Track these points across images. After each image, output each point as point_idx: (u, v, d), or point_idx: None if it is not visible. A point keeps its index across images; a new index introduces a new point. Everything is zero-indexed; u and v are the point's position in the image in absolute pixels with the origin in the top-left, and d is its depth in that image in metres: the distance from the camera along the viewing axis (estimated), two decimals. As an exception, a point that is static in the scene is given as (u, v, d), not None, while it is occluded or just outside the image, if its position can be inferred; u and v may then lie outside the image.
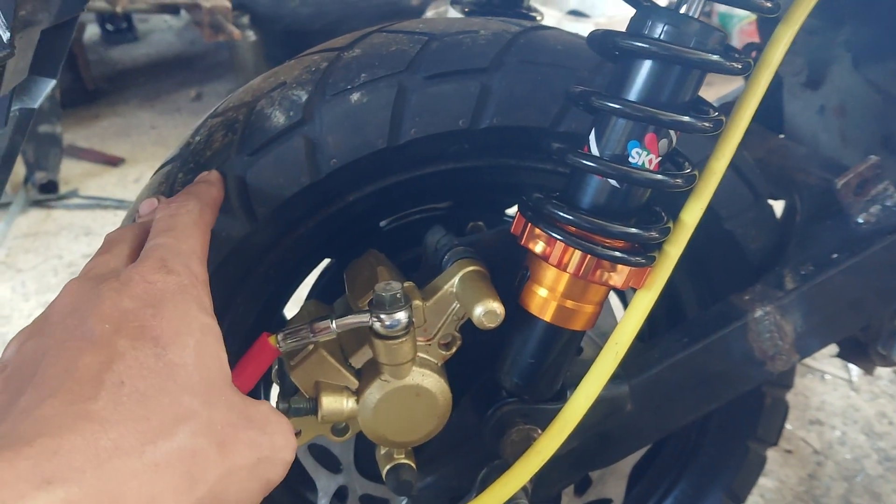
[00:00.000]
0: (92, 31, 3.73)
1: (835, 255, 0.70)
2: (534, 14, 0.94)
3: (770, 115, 0.98)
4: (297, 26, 2.41)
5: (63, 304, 0.46)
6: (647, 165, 0.54)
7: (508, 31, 0.69)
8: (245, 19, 2.36)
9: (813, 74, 0.86)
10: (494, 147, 0.69)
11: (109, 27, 3.69)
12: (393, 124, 0.64)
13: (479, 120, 0.65)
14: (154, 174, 0.70)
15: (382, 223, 0.84)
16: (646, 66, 0.53)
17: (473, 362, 0.68)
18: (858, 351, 0.88)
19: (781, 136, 0.97)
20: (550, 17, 2.60)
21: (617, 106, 0.53)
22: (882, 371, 1.38)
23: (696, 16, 0.53)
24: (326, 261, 0.89)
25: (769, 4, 0.52)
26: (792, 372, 0.83)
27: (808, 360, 1.31)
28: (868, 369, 0.92)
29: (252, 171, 0.63)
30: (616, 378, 0.66)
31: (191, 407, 0.41)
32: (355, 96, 0.64)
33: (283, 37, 2.46)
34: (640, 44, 0.52)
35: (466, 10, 0.95)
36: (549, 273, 0.58)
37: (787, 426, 1.33)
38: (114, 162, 2.58)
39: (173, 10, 2.48)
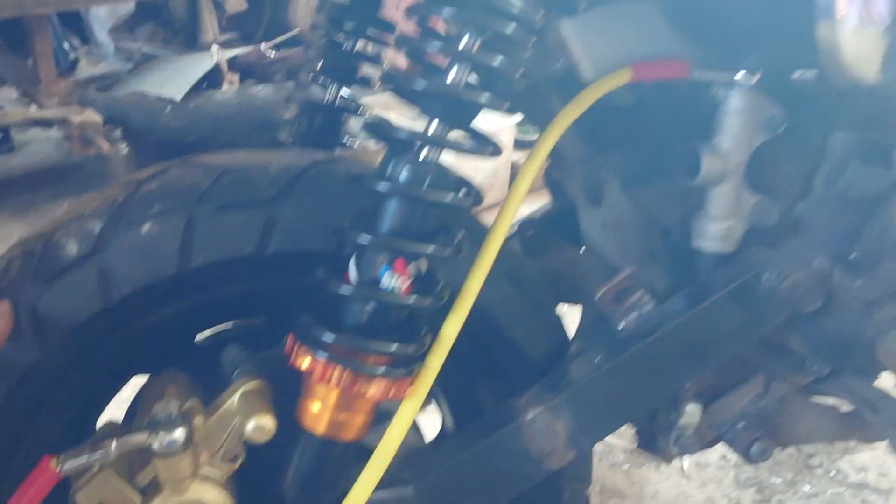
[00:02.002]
0: (-33, 141, 3.65)
1: (598, 359, 0.78)
2: (350, 142, 1.02)
3: (571, 228, 1.08)
4: (170, 139, 2.46)
5: None
6: (398, 288, 0.61)
7: (298, 164, 0.76)
8: (117, 133, 2.40)
9: (591, 194, 0.96)
10: (289, 269, 0.74)
11: (-15, 137, 3.64)
12: (182, 252, 0.69)
13: (266, 246, 0.71)
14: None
15: (198, 338, 0.88)
16: (391, 202, 0.61)
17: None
18: (651, 442, 0.96)
19: (581, 248, 1.07)
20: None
21: (364, 240, 0.59)
22: (711, 457, 1.48)
23: (434, 160, 0.61)
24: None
25: (491, 149, 0.61)
26: (587, 466, 0.90)
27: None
28: (666, 459, 1.00)
29: (44, 300, 0.67)
30: (400, 481, 0.71)
31: None
32: (146, 227, 0.69)
33: (157, 149, 2.50)
34: (380, 186, 0.59)
35: (291, 139, 1.02)
36: (318, 388, 0.63)
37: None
38: (-22, 275, 2.50)
39: (45, 124, 2.49)
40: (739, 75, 0.76)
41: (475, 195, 0.63)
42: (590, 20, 0.70)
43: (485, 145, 0.64)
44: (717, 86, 0.79)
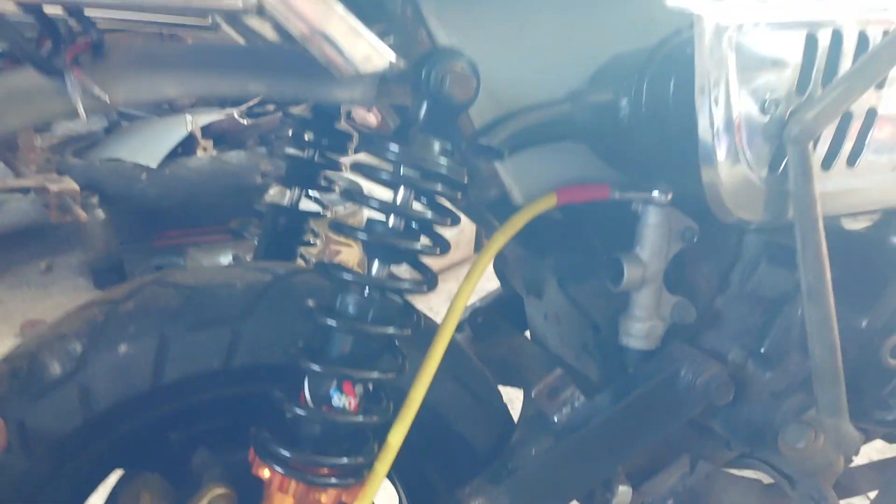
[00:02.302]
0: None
1: (534, 451, 0.86)
2: (314, 241, 1.11)
3: (520, 314, 1.17)
4: (146, 205, 2.54)
5: None
6: (347, 407, 0.69)
7: (263, 280, 0.84)
8: (94, 199, 2.47)
9: (532, 289, 1.06)
10: (253, 379, 0.82)
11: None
12: (156, 369, 0.77)
13: (231, 360, 0.79)
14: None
15: (173, 437, 0.95)
16: (339, 333, 0.69)
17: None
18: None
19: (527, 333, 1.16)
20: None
21: (314, 368, 0.68)
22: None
23: (376, 297, 0.69)
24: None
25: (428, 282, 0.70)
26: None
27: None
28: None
29: (31, 416, 0.74)
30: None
31: None
32: (123, 347, 0.77)
33: (133, 214, 2.58)
34: (328, 321, 0.68)
35: (256, 240, 1.11)
36: (277, 496, 0.71)
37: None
38: (-45, 338, 2.55)
39: (23, 191, 2.56)
40: (654, 194, 0.86)
41: (417, 321, 0.72)
42: (518, 158, 0.80)
43: (425, 275, 0.73)
44: (635, 203, 0.88)
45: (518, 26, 0.78)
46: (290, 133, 1.06)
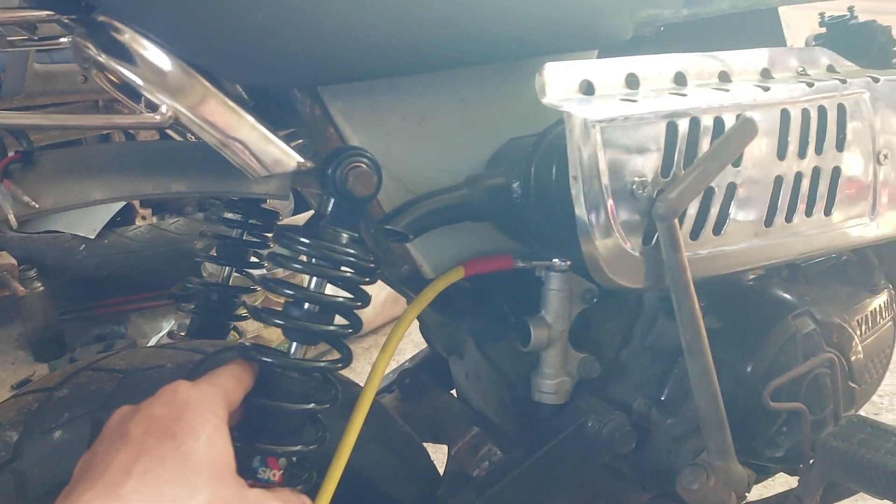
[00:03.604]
0: None
1: (454, 506, 0.93)
2: (247, 317, 1.17)
3: (446, 373, 1.24)
4: (86, 275, 2.55)
5: (118, 415, 0.66)
6: (272, 479, 0.75)
7: (193, 359, 0.89)
8: (32, 272, 2.48)
9: (453, 350, 1.13)
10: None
11: None
12: (90, 453, 0.81)
13: (163, 440, 0.83)
14: None
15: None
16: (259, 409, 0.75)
17: None
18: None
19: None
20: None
21: (235, 444, 0.73)
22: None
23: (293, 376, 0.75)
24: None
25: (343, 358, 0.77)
26: None
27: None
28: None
29: (-33, 505, 0.78)
30: None
31: (198, 486, 0.59)
32: (58, 434, 0.81)
33: (73, 285, 2.59)
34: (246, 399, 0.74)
35: (192, 309, 1.16)
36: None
37: None
38: None
39: (-42, 266, 2.54)
40: (555, 262, 0.94)
41: (335, 395, 0.78)
42: (426, 237, 0.87)
43: (341, 352, 0.79)
44: (538, 270, 0.97)
45: (419, 120, 0.87)
46: (219, 215, 1.12)
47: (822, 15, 1.43)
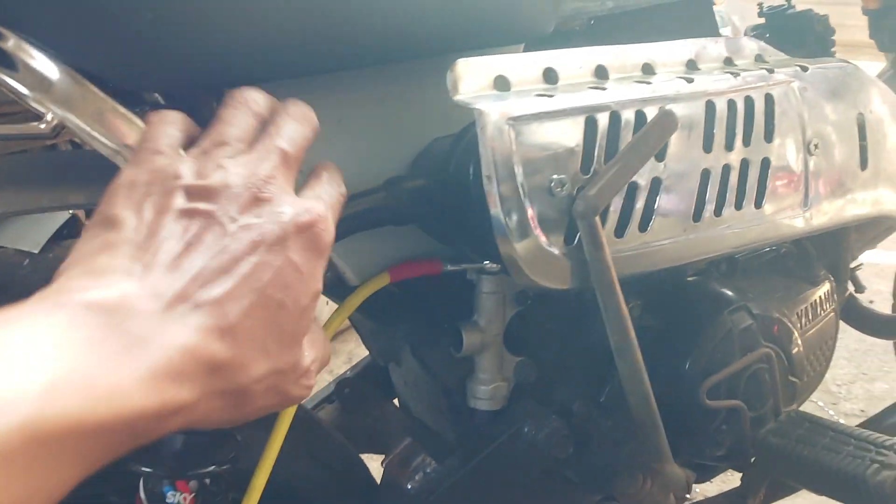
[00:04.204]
0: None
1: (388, 521, 0.90)
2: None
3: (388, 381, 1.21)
4: (30, 290, 2.46)
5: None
6: (182, 503, 0.71)
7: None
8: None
9: (390, 357, 1.09)
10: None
11: None
12: None
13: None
14: None
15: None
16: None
17: None
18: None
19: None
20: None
21: (146, 470, 0.70)
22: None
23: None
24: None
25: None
26: None
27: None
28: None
29: None
30: None
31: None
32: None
33: (18, 300, 2.50)
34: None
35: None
36: None
37: None
38: None
39: None
40: (486, 264, 0.91)
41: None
42: (348, 243, 0.84)
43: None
44: (469, 273, 0.94)
45: (336, 122, 0.83)
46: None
47: (760, 5, 1.42)
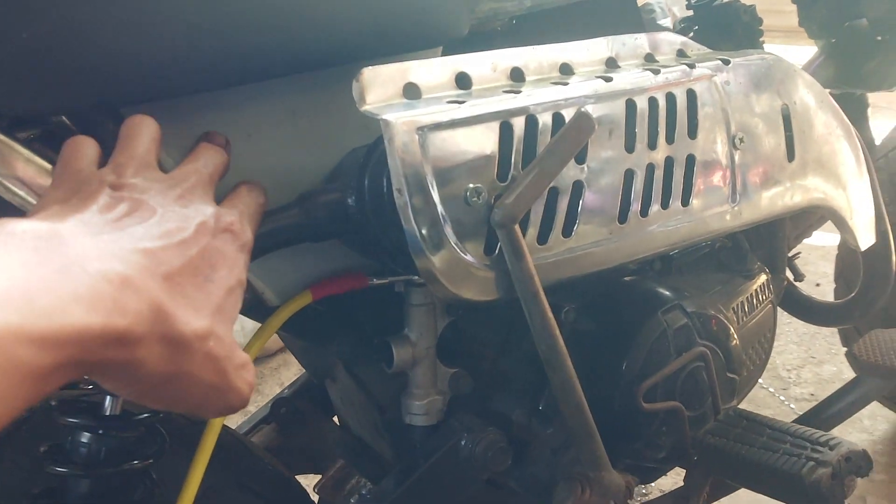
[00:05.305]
0: None
1: (323, 548, 0.86)
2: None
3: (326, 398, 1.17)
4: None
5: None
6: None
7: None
8: None
9: (324, 375, 1.06)
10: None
11: None
12: None
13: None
14: None
15: None
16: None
17: None
18: None
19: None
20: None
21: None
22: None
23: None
24: None
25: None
26: None
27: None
28: None
29: None
30: None
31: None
32: None
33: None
34: (57, 471, 0.66)
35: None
36: None
37: None
38: None
39: None
40: (414, 276, 0.88)
41: (161, 446, 0.71)
42: (266, 262, 0.80)
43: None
44: (398, 286, 0.91)
45: (245, 137, 0.79)
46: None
47: (688, -3, 1.42)
